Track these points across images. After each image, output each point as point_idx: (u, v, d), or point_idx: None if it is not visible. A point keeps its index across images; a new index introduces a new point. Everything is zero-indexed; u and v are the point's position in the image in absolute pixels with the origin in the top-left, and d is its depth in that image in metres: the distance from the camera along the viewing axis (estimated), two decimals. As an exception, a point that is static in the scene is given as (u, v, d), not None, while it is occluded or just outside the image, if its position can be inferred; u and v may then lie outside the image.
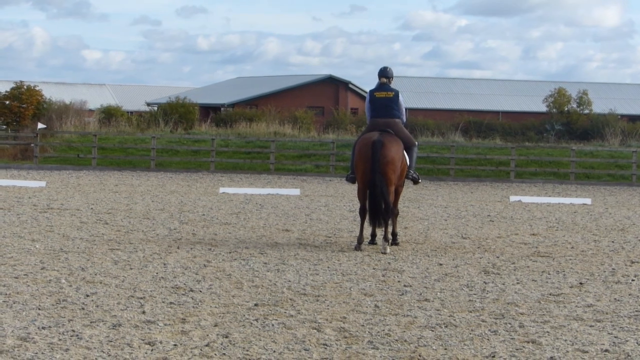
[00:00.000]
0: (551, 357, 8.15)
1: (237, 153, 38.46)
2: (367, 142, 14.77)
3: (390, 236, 15.00)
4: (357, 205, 21.00)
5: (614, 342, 8.75)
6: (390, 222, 14.84)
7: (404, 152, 15.13)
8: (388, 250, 14.55)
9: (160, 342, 8.28)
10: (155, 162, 36.92)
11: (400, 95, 15.48)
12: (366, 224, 14.96)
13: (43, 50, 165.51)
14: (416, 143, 15.68)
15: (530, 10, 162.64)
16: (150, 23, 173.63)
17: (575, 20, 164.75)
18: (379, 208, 14.47)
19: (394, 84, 15.66)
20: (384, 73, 15.49)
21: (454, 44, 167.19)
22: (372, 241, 15.47)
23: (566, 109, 60.71)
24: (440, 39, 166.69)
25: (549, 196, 28.74)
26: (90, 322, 8.96)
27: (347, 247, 15.06)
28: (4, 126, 45.04)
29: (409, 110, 67.81)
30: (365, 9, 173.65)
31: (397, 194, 15.81)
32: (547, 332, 9.12)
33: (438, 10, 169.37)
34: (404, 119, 15.57)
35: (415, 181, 15.61)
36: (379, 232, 15.23)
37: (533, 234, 17.71)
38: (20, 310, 9.41)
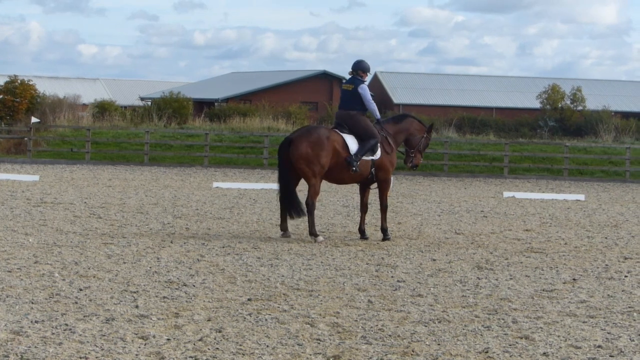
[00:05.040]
0: (544, 353, 8.16)
1: (230, 148, 38.46)
2: (281, 141, 15.59)
3: (315, 230, 15.17)
4: (348, 201, 21.05)
5: (606, 338, 8.77)
6: (309, 216, 15.17)
7: (349, 142, 15.25)
8: (321, 239, 15.00)
9: (154, 337, 8.27)
10: (149, 156, 36.89)
11: (361, 88, 15.53)
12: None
13: (39, 45, 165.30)
14: (377, 135, 15.51)
15: (527, 7, 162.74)
16: (147, 18, 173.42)
17: (573, 17, 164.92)
18: (287, 201, 15.13)
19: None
20: (353, 65, 15.80)
21: (450, 40, 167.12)
22: (363, 236, 15.51)
23: (560, 105, 60.73)
24: (437, 35, 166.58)
25: (543, 192, 28.77)
26: (84, 316, 8.96)
27: (340, 242, 15.06)
28: (-2, 120, 44.91)
29: (403, 106, 67.79)
30: (364, 4, 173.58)
31: (382, 189, 15.74)
32: (540, 327, 9.13)
33: (435, 7, 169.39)
34: (374, 111, 15.60)
35: (349, 165, 15.26)
36: (378, 226, 15.21)
37: (526, 230, 17.72)
38: (13, 304, 9.40)
